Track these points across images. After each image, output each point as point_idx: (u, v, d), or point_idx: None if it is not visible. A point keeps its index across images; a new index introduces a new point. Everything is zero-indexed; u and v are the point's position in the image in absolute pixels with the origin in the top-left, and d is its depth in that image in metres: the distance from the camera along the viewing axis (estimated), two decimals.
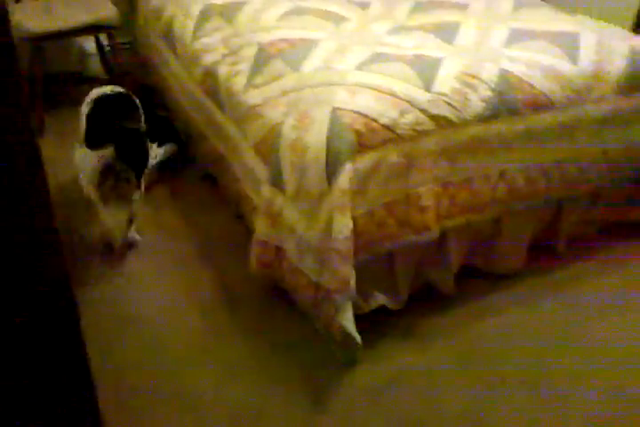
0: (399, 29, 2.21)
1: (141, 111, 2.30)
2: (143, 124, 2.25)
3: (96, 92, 2.26)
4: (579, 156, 1.97)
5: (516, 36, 2.08)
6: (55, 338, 0.59)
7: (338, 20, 2.31)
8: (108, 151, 2.05)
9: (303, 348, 1.83)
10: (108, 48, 3.04)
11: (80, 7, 2.79)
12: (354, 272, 1.67)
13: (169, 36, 2.56)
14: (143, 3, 2.94)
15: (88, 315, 1.90)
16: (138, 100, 2.33)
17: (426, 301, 1.97)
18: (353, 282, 1.67)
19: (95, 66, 3.30)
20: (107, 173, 2.21)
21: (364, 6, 2.53)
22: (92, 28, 2.78)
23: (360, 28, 2.25)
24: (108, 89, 2.30)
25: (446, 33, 2.12)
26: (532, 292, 2.05)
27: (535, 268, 2.12)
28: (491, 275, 2.08)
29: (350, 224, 1.63)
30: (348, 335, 1.69)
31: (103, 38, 3.03)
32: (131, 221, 2.18)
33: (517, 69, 1.86)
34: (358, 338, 1.70)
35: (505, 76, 1.83)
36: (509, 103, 1.80)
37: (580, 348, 1.85)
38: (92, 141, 2.07)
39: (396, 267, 1.86)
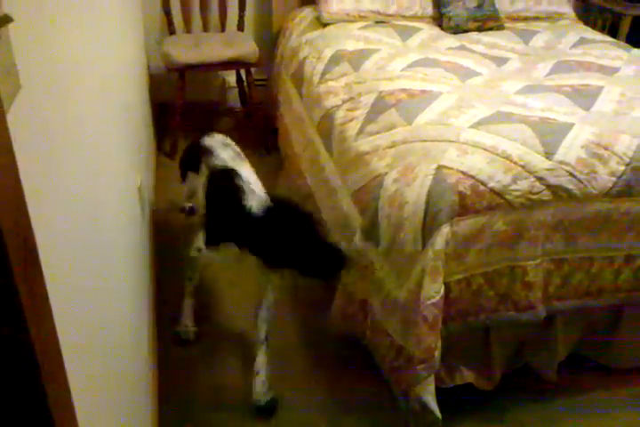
0: (532, 89, 2.07)
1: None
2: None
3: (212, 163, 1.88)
4: None
5: None
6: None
7: (467, 74, 2.23)
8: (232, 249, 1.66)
9: (376, 412, 1.73)
10: (246, 83, 3.19)
11: (224, 43, 2.95)
12: (440, 342, 1.55)
13: (299, 75, 2.62)
14: (283, 43, 3.06)
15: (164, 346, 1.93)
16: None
17: (523, 385, 1.81)
18: (438, 353, 1.55)
19: (234, 98, 3.48)
20: None
21: (501, 62, 2.44)
22: (232, 64, 2.93)
23: (488, 84, 2.15)
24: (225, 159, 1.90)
25: (583, 97, 1.96)
26: None
27: None
28: (604, 368, 1.86)
29: (441, 290, 1.51)
30: (426, 409, 1.57)
31: (244, 73, 3.17)
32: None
33: None
34: (438, 414, 1.58)
35: None
36: None
37: None
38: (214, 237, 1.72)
39: (491, 344, 1.71)
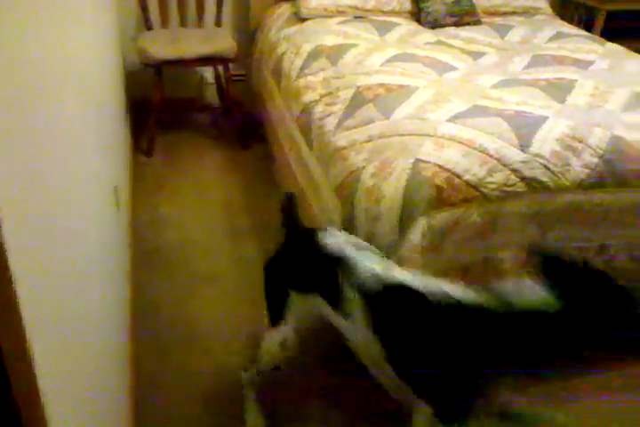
0: (508, 83, 2.09)
1: None
2: None
3: None
4: None
5: (639, 101, 1.89)
6: None
7: (444, 68, 2.24)
8: None
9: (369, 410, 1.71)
10: (224, 79, 3.17)
11: (202, 39, 2.93)
12: None
13: (277, 70, 2.62)
14: (261, 38, 3.05)
15: None
16: None
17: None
18: None
19: (212, 94, 3.46)
20: None
21: (478, 57, 2.45)
22: (210, 59, 2.91)
23: (465, 78, 2.16)
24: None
25: (558, 91, 1.98)
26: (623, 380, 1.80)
27: None
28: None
29: None
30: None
31: (222, 69, 3.16)
32: None
33: (632, 137, 1.68)
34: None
35: (616, 142, 1.66)
36: (618, 173, 1.63)
37: None
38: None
39: None
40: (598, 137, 1.67)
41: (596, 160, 1.62)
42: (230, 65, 3.01)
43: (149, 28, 3.10)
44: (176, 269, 2.27)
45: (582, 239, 1.65)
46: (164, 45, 2.85)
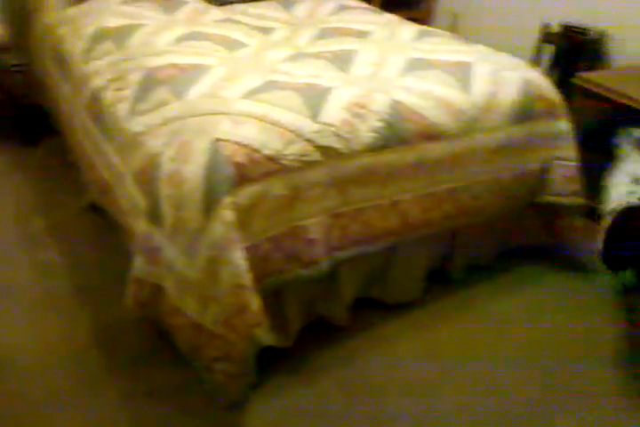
0: (296, 57, 2.16)
1: None
2: None
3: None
4: (472, 185, 1.97)
5: (413, 66, 2.07)
6: None
7: (235, 45, 2.25)
8: None
9: (184, 393, 1.72)
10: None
11: None
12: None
13: (59, 57, 2.43)
14: (38, 23, 2.80)
15: None
16: None
17: (317, 334, 1.92)
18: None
19: None
20: None
21: (267, 32, 2.49)
22: None
23: (256, 54, 2.19)
24: None
25: (342, 61, 2.09)
26: (425, 320, 2.03)
27: (431, 296, 2.12)
28: (386, 305, 2.05)
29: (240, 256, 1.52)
30: (232, 378, 1.61)
31: None
32: None
33: (409, 100, 1.84)
34: (246, 380, 1.64)
35: (396, 106, 1.80)
36: (400, 134, 1.77)
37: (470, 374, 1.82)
38: None
39: (284, 304, 1.79)
40: (380, 103, 1.80)
41: (379, 124, 1.75)
42: (5, 54, 2.73)
43: None
44: None
45: (376, 197, 1.77)
46: None
